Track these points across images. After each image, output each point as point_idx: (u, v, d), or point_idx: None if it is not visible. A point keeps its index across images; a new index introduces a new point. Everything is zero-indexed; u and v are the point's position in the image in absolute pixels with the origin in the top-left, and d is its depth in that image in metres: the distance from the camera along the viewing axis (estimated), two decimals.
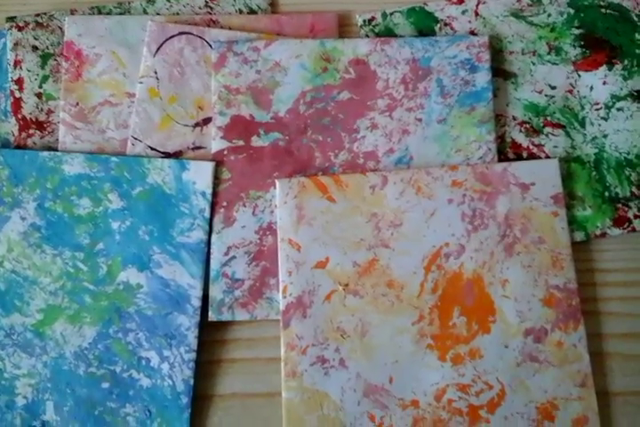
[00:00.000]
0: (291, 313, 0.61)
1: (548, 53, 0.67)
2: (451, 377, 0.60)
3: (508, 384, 0.60)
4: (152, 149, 0.65)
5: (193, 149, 0.65)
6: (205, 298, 0.62)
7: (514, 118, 0.66)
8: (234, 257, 0.63)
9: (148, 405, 0.61)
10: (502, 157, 0.65)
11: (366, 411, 0.60)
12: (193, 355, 0.61)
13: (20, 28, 0.67)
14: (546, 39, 0.67)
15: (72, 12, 0.67)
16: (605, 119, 0.66)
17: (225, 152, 0.64)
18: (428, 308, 0.61)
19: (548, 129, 0.66)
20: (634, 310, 0.64)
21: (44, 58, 0.67)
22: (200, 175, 0.64)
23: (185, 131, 0.65)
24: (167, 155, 0.65)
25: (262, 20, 0.68)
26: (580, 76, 0.67)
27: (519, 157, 0.66)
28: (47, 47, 0.67)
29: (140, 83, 0.66)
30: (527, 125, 0.66)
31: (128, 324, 0.62)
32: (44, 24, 0.67)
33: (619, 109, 0.66)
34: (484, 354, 0.60)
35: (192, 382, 0.61)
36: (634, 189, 0.65)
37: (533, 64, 0.67)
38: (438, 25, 0.68)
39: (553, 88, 0.67)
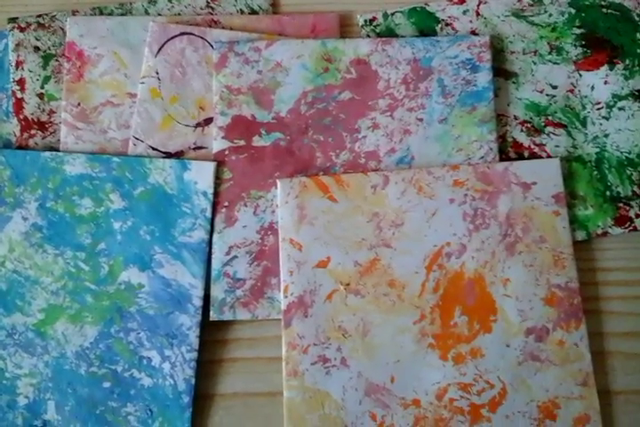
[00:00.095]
0: (292, 313, 0.61)
1: (549, 53, 0.67)
2: (452, 376, 0.60)
3: (510, 383, 0.60)
4: (153, 149, 0.65)
5: (194, 149, 0.65)
6: (207, 298, 0.62)
7: (515, 118, 0.66)
8: (235, 257, 0.63)
9: (150, 404, 0.61)
10: (504, 156, 0.65)
11: (368, 410, 0.60)
12: (194, 354, 0.61)
13: (21, 29, 0.67)
14: (547, 39, 0.67)
15: (74, 13, 0.68)
16: (607, 119, 0.66)
17: (226, 152, 0.64)
18: (429, 307, 0.61)
19: (549, 128, 0.66)
20: (635, 309, 0.64)
21: (46, 58, 0.67)
22: (201, 175, 0.64)
23: (186, 131, 0.65)
24: (168, 155, 0.65)
25: (263, 21, 0.68)
26: (581, 75, 0.67)
27: (520, 157, 0.66)
28: (49, 48, 0.67)
29: (142, 83, 0.66)
30: (528, 125, 0.66)
31: (129, 323, 0.62)
32: (46, 25, 0.67)
33: (620, 109, 0.66)
34: (486, 353, 0.60)
35: (193, 381, 0.61)
36: (635, 189, 0.65)
37: (534, 64, 0.67)
38: (439, 25, 0.68)
39: (554, 88, 0.67)
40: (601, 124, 0.66)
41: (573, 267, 0.62)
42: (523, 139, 0.66)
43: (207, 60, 0.66)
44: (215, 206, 0.64)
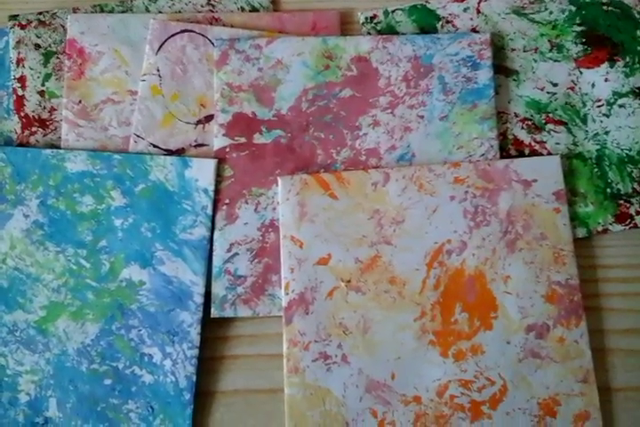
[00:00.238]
0: (293, 310, 0.61)
1: (550, 51, 0.67)
2: (453, 373, 0.60)
3: (510, 380, 0.60)
4: (154, 146, 0.65)
5: (195, 146, 0.65)
6: (208, 295, 0.63)
7: (516, 115, 0.66)
8: (236, 254, 0.63)
9: (151, 401, 0.61)
10: (504, 153, 0.65)
11: (368, 407, 0.60)
12: (195, 351, 0.61)
13: (22, 27, 0.67)
14: (547, 36, 0.67)
15: (74, 11, 0.68)
16: (607, 116, 0.66)
17: (227, 149, 0.64)
18: (430, 304, 0.61)
19: (549, 126, 0.66)
20: (635, 306, 0.64)
21: (47, 56, 0.67)
22: (202, 172, 0.64)
23: (187, 128, 0.66)
24: (169, 152, 0.65)
25: (264, 18, 0.68)
26: (581, 73, 0.67)
27: (521, 154, 0.66)
28: (50, 45, 0.67)
29: (143, 80, 0.66)
30: (529, 122, 0.66)
31: (130, 320, 0.62)
32: (47, 22, 0.68)
33: (620, 106, 0.66)
34: (486, 350, 0.60)
35: (194, 378, 0.61)
36: (635, 186, 0.65)
37: (535, 61, 0.67)
38: (440, 22, 0.68)
39: (555, 85, 0.67)
40: (601, 122, 0.66)
41: (574, 264, 0.62)
42: (523, 136, 0.66)
43: (208, 57, 0.66)
44: (216, 204, 0.64)
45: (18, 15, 0.67)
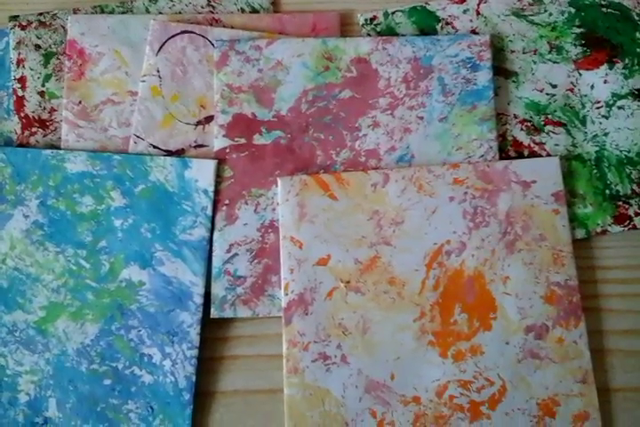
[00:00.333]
0: (292, 310, 0.61)
1: (549, 52, 0.67)
2: (452, 374, 0.60)
3: (509, 381, 0.60)
4: (154, 147, 0.65)
5: (195, 147, 0.65)
6: (207, 295, 0.63)
7: (515, 117, 0.66)
8: (236, 254, 0.63)
9: (151, 401, 0.61)
10: (503, 155, 0.66)
11: (368, 407, 0.60)
12: (195, 352, 0.61)
13: (22, 27, 0.67)
14: (547, 38, 0.67)
15: (75, 11, 0.68)
16: (606, 117, 0.66)
17: (227, 150, 0.65)
18: (429, 305, 0.61)
19: (549, 127, 0.66)
20: (634, 307, 0.64)
21: (47, 56, 0.67)
22: (202, 173, 0.64)
23: (187, 129, 0.66)
24: (169, 153, 0.65)
25: (264, 19, 0.68)
26: (580, 74, 0.67)
27: (520, 155, 0.66)
28: (50, 46, 0.68)
29: (143, 81, 0.66)
30: (528, 124, 0.66)
31: (130, 321, 0.62)
32: (47, 23, 0.68)
33: (619, 108, 0.66)
34: (485, 351, 0.61)
35: (194, 378, 0.61)
36: (634, 187, 0.65)
37: (534, 63, 0.67)
38: (440, 24, 0.68)
39: (554, 87, 0.67)
40: (600, 123, 0.66)
41: (573, 265, 0.62)
42: (522, 137, 0.66)
43: (208, 58, 0.66)
44: (216, 204, 0.64)
45: (18, 16, 0.68)
